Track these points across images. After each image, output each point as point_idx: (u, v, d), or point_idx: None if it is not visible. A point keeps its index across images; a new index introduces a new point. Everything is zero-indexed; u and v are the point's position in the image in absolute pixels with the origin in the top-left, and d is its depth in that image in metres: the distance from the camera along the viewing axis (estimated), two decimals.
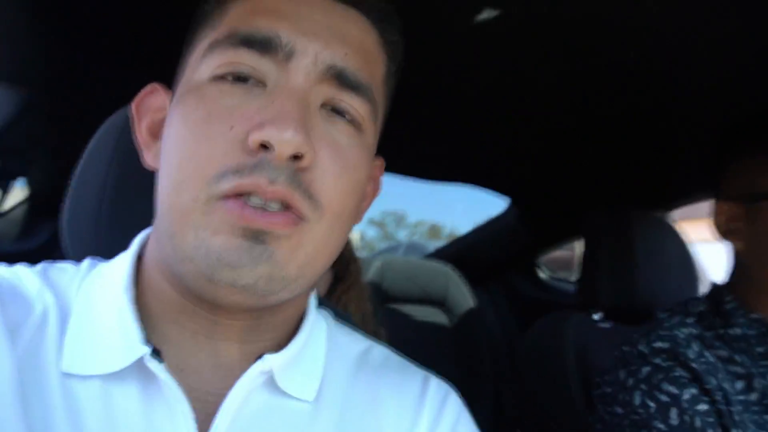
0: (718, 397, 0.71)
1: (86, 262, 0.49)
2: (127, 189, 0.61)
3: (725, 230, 0.81)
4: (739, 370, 0.75)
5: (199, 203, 0.38)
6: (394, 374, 0.51)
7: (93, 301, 0.44)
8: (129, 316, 0.41)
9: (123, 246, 0.65)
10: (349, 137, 0.42)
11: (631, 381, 0.77)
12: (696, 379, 0.73)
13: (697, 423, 0.70)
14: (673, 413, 0.72)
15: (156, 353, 0.40)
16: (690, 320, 0.81)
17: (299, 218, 0.39)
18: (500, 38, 0.79)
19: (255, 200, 0.37)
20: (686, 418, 0.71)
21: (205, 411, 0.41)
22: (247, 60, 0.40)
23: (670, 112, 0.99)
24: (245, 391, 0.42)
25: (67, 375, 0.39)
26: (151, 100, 0.49)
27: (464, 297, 1.96)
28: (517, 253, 2.00)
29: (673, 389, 0.73)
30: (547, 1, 0.70)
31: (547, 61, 0.84)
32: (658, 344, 0.77)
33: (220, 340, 0.43)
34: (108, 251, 0.64)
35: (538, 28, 0.76)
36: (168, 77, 0.49)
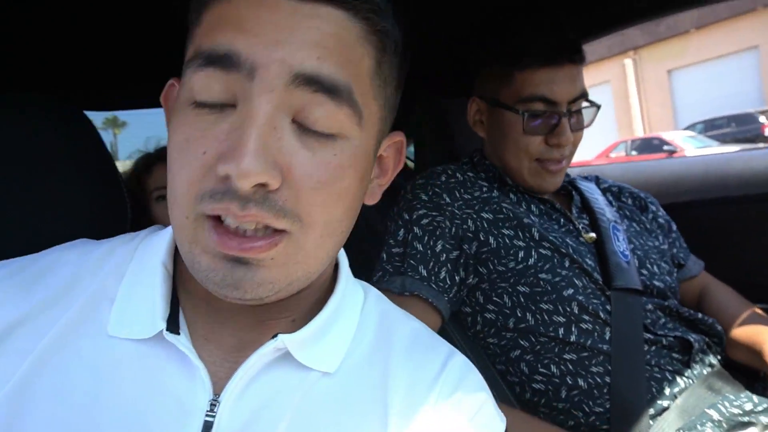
0: (454, 208, 0.93)
1: (148, 229, 0.52)
2: None
3: (473, 121, 1.06)
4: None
5: (190, 220, 0.40)
6: (419, 349, 0.51)
7: (140, 268, 0.48)
8: (159, 291, 0.45)
9: None
10: (324, 150, 0.41)
11: (393, 211, 0.99)
12: (431, 201, 0.94)
13: (417, 231, 0.92)
14: (401, 231, 0.94)
15: (173, 326, 0.44)
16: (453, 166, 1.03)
17: (282, 234, 0.40)
18: None
19: (230, 221, 0.39)
20: (407, 233, 0.93)
21: (225, 378, 0.44)
22: (216, 80, 0.39)
23: None
24: (261, 363, 0.44)
25: (111, 337, 0.44)
26: (171, 95, 0.48)
27: None
28: None
29: (406, 215, 0.95)
30: None
31: None
32: (419, 181, 0.99)
33: (241, 319, 0.46)
34: None
35: None
36: None
